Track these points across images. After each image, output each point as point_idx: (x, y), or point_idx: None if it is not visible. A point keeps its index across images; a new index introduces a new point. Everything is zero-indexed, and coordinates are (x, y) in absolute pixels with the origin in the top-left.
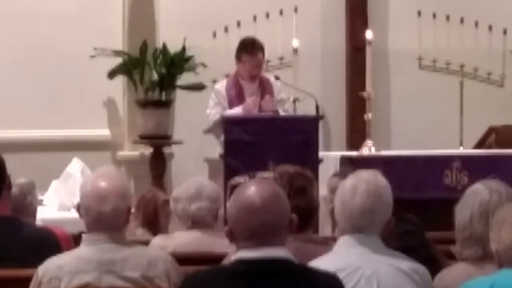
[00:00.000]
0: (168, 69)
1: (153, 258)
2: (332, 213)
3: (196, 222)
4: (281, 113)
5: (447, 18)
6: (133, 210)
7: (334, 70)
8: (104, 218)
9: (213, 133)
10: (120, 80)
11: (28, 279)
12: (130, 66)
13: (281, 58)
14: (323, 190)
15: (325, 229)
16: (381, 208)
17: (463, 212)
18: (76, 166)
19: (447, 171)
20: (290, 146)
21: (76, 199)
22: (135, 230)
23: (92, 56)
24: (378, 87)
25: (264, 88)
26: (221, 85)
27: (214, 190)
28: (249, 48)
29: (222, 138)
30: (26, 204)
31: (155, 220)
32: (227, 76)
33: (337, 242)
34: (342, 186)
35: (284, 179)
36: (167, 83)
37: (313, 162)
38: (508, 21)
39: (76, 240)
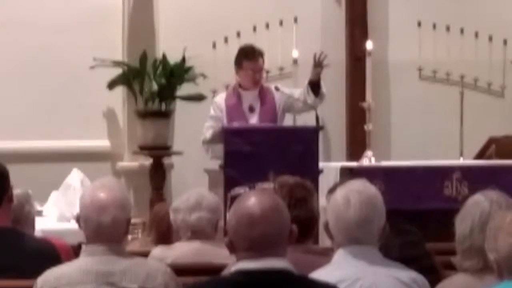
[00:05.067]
0: (168, 80)
1: (152, 270)
2: (326, 227)
3: (196, 233)
4: (298, 101)
5: (447, 28)
6: (133, 220)
7: (334, 80)
8: (103, 229)
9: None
10: (120, 91)
11: None
12: (130, 77)
13: (281, 69)
14: (323, 200)
15: (325, 240)
16: (376, 217)
17: (463, 223)
18: (75, 177)
19: (447, 182)
20: (290, 157)
21: (76, 210)
22: (151, 247)
23: (92, 67)
24: (378, 98)
25: (264, 97)
26: (220, 97)
27: (214, 201)
28: (250, 54)
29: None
30: (25, 214)
31: (169, 237)
32: (227, 87)
33: (335, 254)
34: (334, 199)
35: (284, 190)
36: (167, 93)
37: (313, 173)
38: (508, 32)
39: (76, 251)
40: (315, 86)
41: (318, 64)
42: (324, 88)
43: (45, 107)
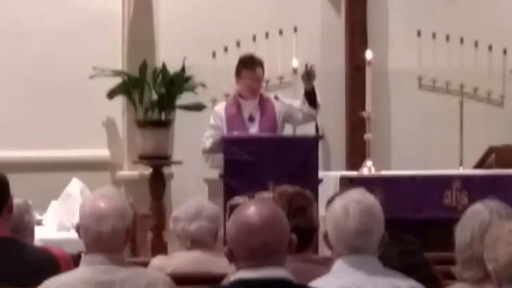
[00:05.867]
0: (168, 89)
1: (151, 280)
2: (325, 237)
3: (195, 242)
4: (298, 112)
5: (447, 38)
6: None
7: (333, 89)
8: (103, 239)
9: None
10: (120, 100)
11: None
12: (130, 86)
13: (281, 78)
14: (322, 210)
15: (325, 249)
16: (375, 226)
17: (463, 233)
18: (75, 186)
19: (447, 191)
20: (289, 166)
21: (76, 220)
22: None
23: (92, 76)
24: (378, 107)
25: (264, 106)
26: (220, 106)
27: (214, 210)
28: (248, 64)
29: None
30: (25, 224)
31: (132, 237)
32: (226, 96)
33: (334, 264)
34: (333, 210)
35: (283, 199)
36: (166, 103)
37: (313, 182)
38: (508, 41)
39: (75, 261)
40: (311, 96)
41: (307, 75)
42: (319, 98)
43: (45, 117)
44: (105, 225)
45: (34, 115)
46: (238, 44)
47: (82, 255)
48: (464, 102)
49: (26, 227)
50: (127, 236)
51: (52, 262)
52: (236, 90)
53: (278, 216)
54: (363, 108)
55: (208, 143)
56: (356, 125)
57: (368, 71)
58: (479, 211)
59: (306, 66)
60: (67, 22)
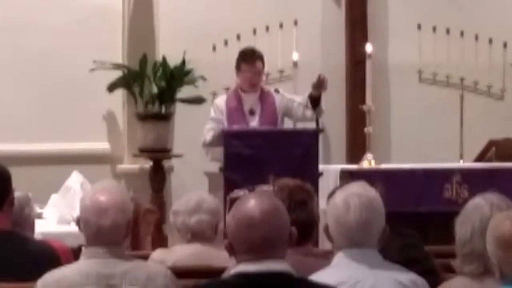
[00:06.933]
0: (168, 82)
1: (152, 273)
2: (326, 230)
3: (195, 235)
4: (298, 108)
5: (447, 31)
6: None
7: (334, 83)
8: (103, 232)
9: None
10: (120, 93)
11: None
12: (130, 79)
13: (281, 71)
14: (323, 203)
15: (325, 242)
16: (376, 219)
17: (463, 227)
18: (75, 180)
19: (447, 185)
20: (290, 160)
21: (76, 213)
22: None
23: (92, 69)
24: (378, 101)
25: (265, 100)
26: (221, 99)
27: (214, 203)
28: (248, 57)
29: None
30: (25, 217)
31: (135, 230)
32: (226, 89)
33: (335, 257)
34: (333, 203)
35: (284, 193)
36: (167, 96)
37: (313, 176)
38: (508, 35)
39: (75, 254)
40: (315, 100)
41: (318, 85)
42: (323, 105)
43: (45, 110)
44: (105, 218)
45: (34, 109)
46: (238, 37)
47: (82, 248)
48: (465, 95)
49: (26, 220)
50: (127, 230)
51: (52, 255)
52: (237, 83)
53: (278, 209)
54: (363, 101)
55: (208, 136)
56: (356, 118)
57: (369, 64)
58: (479, 205)
59: (319, 76)
60: (67, 16)
